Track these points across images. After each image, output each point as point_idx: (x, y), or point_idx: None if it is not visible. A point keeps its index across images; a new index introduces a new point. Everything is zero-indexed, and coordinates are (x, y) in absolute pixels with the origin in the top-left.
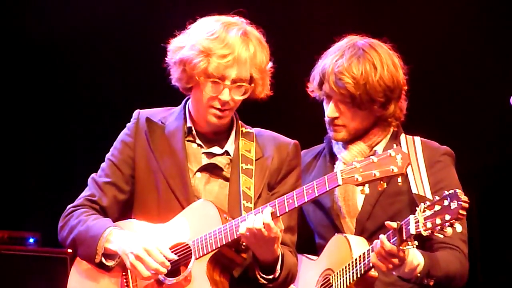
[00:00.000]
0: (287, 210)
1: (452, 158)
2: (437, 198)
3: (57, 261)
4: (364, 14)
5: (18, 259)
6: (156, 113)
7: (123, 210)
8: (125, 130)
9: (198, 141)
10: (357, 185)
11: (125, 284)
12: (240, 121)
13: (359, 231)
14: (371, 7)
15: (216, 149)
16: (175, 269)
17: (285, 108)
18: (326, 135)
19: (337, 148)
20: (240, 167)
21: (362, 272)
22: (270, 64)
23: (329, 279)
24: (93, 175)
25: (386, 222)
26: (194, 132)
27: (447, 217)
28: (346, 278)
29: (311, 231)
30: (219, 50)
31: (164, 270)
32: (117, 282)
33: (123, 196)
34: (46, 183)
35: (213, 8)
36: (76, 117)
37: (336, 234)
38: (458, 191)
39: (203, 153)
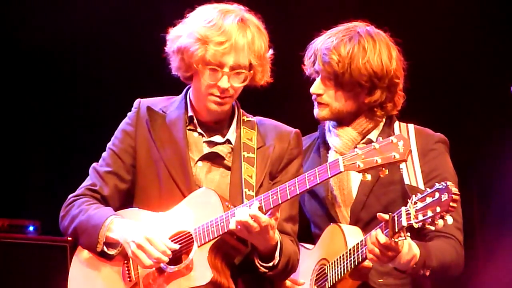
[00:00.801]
0: (289, 197)
1: (446, 145)
2: (429, 190)
3: (57, 249)
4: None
5: (18, 247)
6: (157, 102)
7: (124, 199)
8: (126, 119)
9: (199, 130)
10: (359, 171)
11: (127, 272)
12: (241, 110)
13: (354, 221)
14: None
15: (217, 138)
16: (177, 257)
17: (286, 97)
18: (320, 124)
19: (329, 136)
20: (242, 155)
21: (357, 262)
22: (271, 51)
23: (324, 269)
24: (94, 164)
25: (378, 214)
26: (195, 121)
27: (438, 209)
28: (340, 268)
29: (307, 220)
30: (216, 37)
31: (166, 259)
32: (118, 270)
33: (124, 185)
34: (46, 171)
35: None
36: (77, 106)
37: (331, 223)
38: (449, 183)
39: (205, 142)
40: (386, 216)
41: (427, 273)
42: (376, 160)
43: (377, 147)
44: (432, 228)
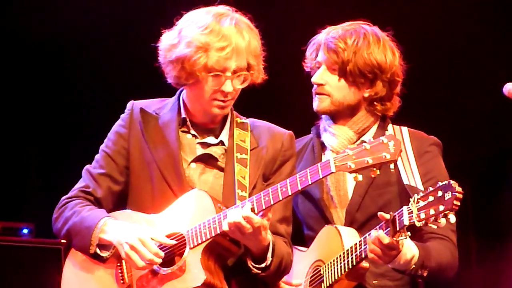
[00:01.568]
0: (280, 199)
1: (439, 148)
2: (431, 189)
3: (51, 251)
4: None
5: (12, 249)
6: (150, 104)
7: (117, 201)
8: (119, 121)
9: (192, 131)
10: (350, 172)
11: (120, 274)
12: (234, 111)
13: (349, 222)
14: None
15: (211, 139)
16: (170, 259)
17: (279, 99)
18: (313, 126)
19: (325, 135)
20: (235, 156)
21: (354, 263)
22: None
23: (320, 270)
24: (87, 166)
25: (379, 213)
26: (188, 122)
27: (441, 207)
28: (337, 269)
29: (299, 222)
30: (217, 43)
31: (159, 260)
32: (112, 272)
33: (118, 187)
34: (40, 174)
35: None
36: (71, 108)
37: (326, 225)
38: (452, 182)
39: (198, 143)
40: (387, 216)
41: (425, 274)
42: (367, 161)
43: (368, 147)
44: (434, 227)
